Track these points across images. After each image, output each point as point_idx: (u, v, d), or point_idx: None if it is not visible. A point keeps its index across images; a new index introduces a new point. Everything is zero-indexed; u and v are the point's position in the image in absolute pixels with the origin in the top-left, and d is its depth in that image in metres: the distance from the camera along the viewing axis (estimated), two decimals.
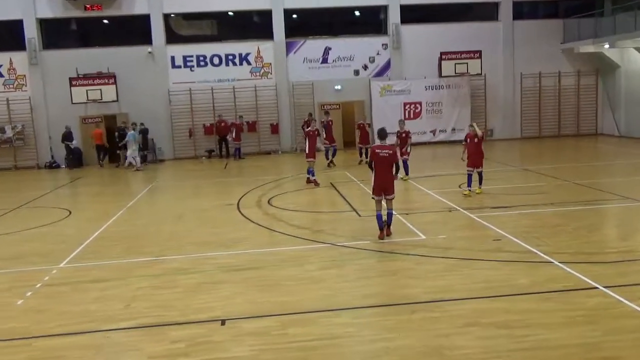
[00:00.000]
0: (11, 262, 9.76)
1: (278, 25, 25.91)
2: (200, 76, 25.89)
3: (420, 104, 26.37)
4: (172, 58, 25.83)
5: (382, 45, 26.63)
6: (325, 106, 25.30)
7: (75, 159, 24.65)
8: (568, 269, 7.94)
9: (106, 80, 24.48)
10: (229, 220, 12.41)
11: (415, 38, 26.34)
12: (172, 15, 26.33)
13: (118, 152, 24.23)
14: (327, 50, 26.41)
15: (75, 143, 24.43)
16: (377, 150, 9.93)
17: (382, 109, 25.83)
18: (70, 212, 14.28)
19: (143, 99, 25.39)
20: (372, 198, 10.12)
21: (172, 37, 26.11)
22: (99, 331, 6.68)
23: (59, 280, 8.69)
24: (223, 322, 6.72)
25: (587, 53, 26.30)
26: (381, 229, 9.96)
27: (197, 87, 25.85)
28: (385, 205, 10.06)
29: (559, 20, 27.10)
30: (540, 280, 7.57)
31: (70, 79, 24.24)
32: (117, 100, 24.72)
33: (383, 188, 9.97)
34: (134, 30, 26.11)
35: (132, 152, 22.76)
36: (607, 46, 24.79)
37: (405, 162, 16.16)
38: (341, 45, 26.44)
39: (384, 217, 9.99)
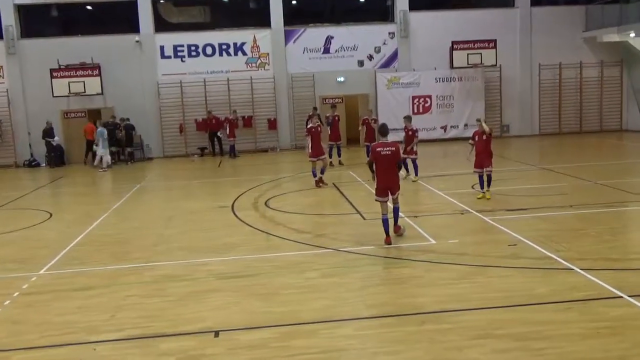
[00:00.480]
0: None
1: (276, 12, 25.94)
2: (192, 67, 25.92)
3: (429, 97, 26.38)
4: (162, 48, 25.86)
5: (389, 33, 26.65)
6: (330, 100, 25.35)
7: (57, 157, 24.70)
8: (590, 277, 7.94)
9: (90, 72, 24.50)
10: (223, 224, 12.41)
11: (425, 26, 26.35)
12: (162, 1, 26.37)
13: (111, 149, 24.31)
14: (329, 40, 26.44)
15: (57, 139, 24.47)
16: (378, 149, 9.95)
17: (389, 102, 25.86)
18: (51, 215, 14.30)
19: (130, 91, 25.44)
20: (376, 200, 10.14)
21: (162, 25, 26.15)
22: (83, 343, 6.68)
23: (39, 288, 8.70)
24: (217, 334, 6.73)
25: (611, 42, 26.29)
26: (387, 234, 9.97)
27: (189, 79, 25.88)
28: (390, 205, 10.08)
29: (580, 6, 27.08)
30: (560, 289, 7.57)
31: (51, 70, 24.26)
32: (101, 94, 24.76)
33: (387, 188, 10.00)
34: (119, 18, 26.16)
35: (101, 151, 22.76)
36: (633, 35, 24.76)
37: (414, 162, 16.13)
38: (344, 33, 26.46)
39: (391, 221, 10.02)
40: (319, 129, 16.33)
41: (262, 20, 26.20)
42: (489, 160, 13.16)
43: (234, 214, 13.33)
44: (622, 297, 7.19)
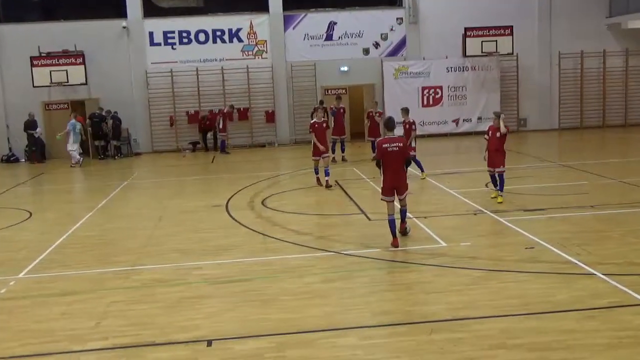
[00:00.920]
0: None
1: None
2: (183, 55, 25.90)
3: (440, 88, 26.35)
4: (151, 34, 25.85)
5: (397, 19, 26.62)
6: (333, 91, 25.32)
7: (38, 152, 24.72)
8: (614, 282, 7.94)
9: (73, 60, 24.48)
10: (216, 224, 12.43)
11: (436, 11, 26.31)
12: None
13: (97, 142, 24.57)
14: (331, 26, 26.41)
15: (39, 131, 24.47)
16: (384, 145, 9.93)
17: (396, 94, 25.80)
18: (31, 214, 14.31)
19: (116, 81, 25.42)
20: (382, 200, 10.14)
21: (151, 10, 26.13)
22: (66, 352, 6.69)
23: (18, 294, 8.71)
24: (209, 343, 6.74)
25: (637, 29, 26.23)
26: (394, 235, 9.98)
27: (180, 68, 25.87)
28: (398, 204, 10.09)
29: None
30: (581, 296, 7.57)
31: (32, 59, 24.24)
32: (85, 84, 24.74)
33: (395, 187, 9.99)
34: (105, 2, 26.15)
35: (71, 145, 22.83)
36: None
37: (414, 159, 16.02)
38: (348, 19, 26.44)
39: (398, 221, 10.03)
40: (323, 125, 15.87)
41: (259, 4, 26.17)
42: (500, 160, 12.82)
43: (229, 214, 13.33)
44: None
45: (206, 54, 25.99)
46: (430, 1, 26.39)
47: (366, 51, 26.61)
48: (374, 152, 19.21)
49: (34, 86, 24.29)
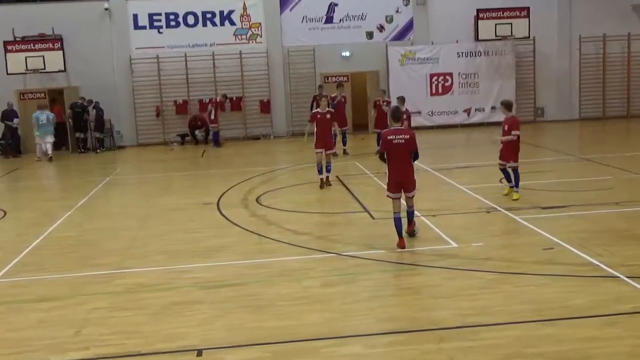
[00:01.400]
0: None
1: None
2: (171, 40, 25.90)
3: (450, 75, 26.35)
4: (135, 17, 25.84)
5: (403, 0, 26.59)
6: (333, 78, 25.27)
7: (13, 145, 24.69)
8: (638, 286, 7.95)
9: (51, 45, 24.45)
10: (207, 224, 12.44)
11: None
12: None
13: (78, 135, 24.59)
14: (332, 7, 26.40)
15: (17, 122, 24.42)
16: (389, 137, 9.94)
17: (402, 81, 25.78)
18: (5, 213, 14.33)
19: (97, 68, 25.40)
20: (388, 197, 10.15)
21: None
22: None
23: None
24: (199, 353, 6.74)
25: None
26: (400, 235, 9.99)
27: (167, 53, 25.86)
28: (405, 203, 10.10)
29: None
30: (603, 300, 7.58)
31: (5, 43, 24.23)
32: (64, 71, 24.69)
33: (401, 183, 10.00)
34: None
35: (38, 139, 22.90)
36: None
37: None
38: (350, 0, 26.40)
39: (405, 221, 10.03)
40: (327, 115, 15.39)
41: None
42: (510, 154, 12.75)
43: (220, 212, 13.34)
44: None
45: (195, 38, 25.98)
46: None
47: (370, 35, 26.59)
48: (379, 145, 19.19)
49: (7, 73, 24.22)
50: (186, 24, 26.03)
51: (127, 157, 23.52)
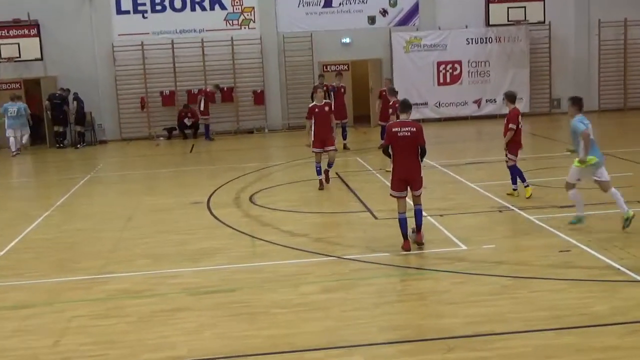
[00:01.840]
0: None
1: None
2: (157, 25, 25.86)
3: (459, 63, 26.32)
4: (117, 1, 25.77)
5: None
6: (332, 67, 25.25)
7: None
8: None
9: (26, 31, 24.45)
10: (196, 224, 12.43)
11: None
12: None
13: (57, 128, 24.52)
14: None
15: None
16: (394, 129, 9.92)
17: (407, 70, 25.80)
18: None
19: (77, 57, 25.35)
20: (392, 195, 10.13)
21: None
22: None
23: None
24: None
25: None
26: (405, 237, 9.98)
27: (152, 40, 25.81)
28: (411, 202, 10.09)
29: None
30: (624, 306, 7.59)
31: None
32: (41, 59, 24.70)
33: (406, 181, 9.98)
34: None
35: (8, 132, 22.92)
36: None
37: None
38: None
39: (411, 221, 10.01)
40: (325, 108, 15.14)
41: None
42: (509, 148, 12.84)
43: (211, 212, 13.34)
44: None
45: (183, 23, 25.93)
46: None
47: (372, 20, 26.57)
48: (382, 138, 19.16)
49: None
50: (173, 8, 25.96)
51: (110, 153, 23.50)
